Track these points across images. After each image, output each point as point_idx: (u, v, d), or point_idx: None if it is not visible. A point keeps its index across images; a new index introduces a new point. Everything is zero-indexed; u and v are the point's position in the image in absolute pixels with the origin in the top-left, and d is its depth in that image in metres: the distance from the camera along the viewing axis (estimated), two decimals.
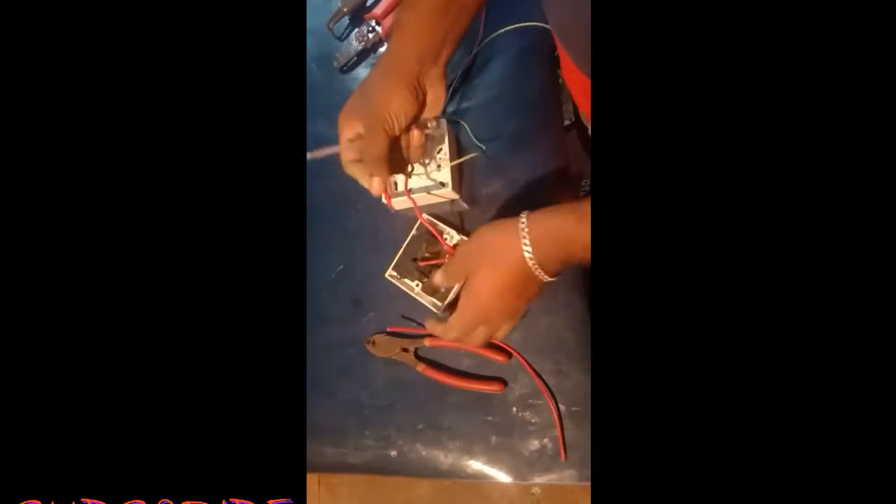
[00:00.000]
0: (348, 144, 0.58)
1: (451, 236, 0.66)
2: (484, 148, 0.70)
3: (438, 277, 0.60)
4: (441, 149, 0.68)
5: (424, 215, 0.66)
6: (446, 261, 0.64)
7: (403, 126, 0.58)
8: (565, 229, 0.50)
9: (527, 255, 0.50)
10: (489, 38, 0.74)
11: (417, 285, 0.66)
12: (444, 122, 0.67)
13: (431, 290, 0.65)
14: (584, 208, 0.48)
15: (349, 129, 0.58)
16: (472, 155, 0.69)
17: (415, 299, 0.66)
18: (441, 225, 0.67)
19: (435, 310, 0.64)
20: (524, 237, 0.50)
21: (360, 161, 0.58)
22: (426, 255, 0.66)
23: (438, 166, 0.68)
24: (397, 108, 0.57)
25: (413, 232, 0.68)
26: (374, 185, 0.58)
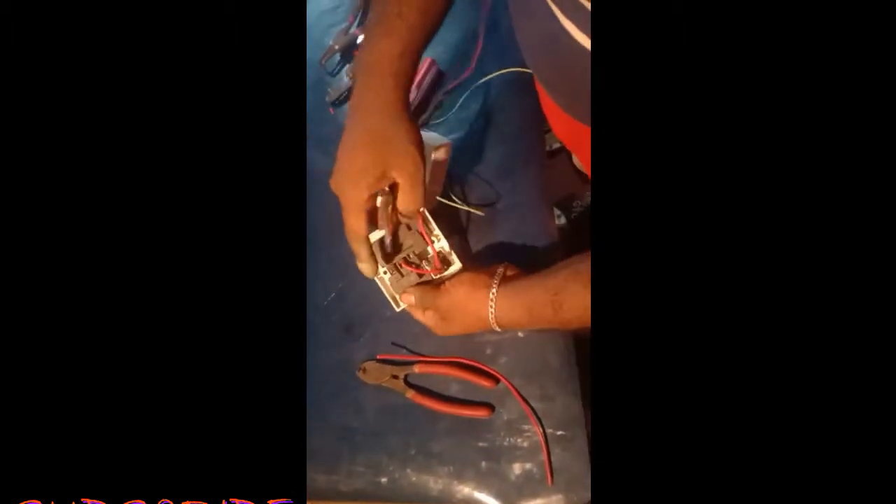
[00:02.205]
0: (368, 196, 0.56)
1: (439, 238, 0.62)
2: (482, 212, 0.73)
3: (412, 299, 0.62)
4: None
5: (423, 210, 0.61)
6: (426, 271, 0.62)
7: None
8: (534, 305, 0.58)
9: (490, 316, 0.60)
10: (479, 83, 0.79)
11: (386, 273, 0.63)
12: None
13: (397, 286, 0.63)
14: (553, 280, 0.57)
15: (370, 176, 0.55)
16: (474, 211, 0.73)
17: (402, 322, 0.66)
18: (433, 224, 0.63)
19: (393, 304, 0.64)
20: (491, 306, 0.59)
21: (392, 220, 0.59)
22: (410, 257, 0.63)
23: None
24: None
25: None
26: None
